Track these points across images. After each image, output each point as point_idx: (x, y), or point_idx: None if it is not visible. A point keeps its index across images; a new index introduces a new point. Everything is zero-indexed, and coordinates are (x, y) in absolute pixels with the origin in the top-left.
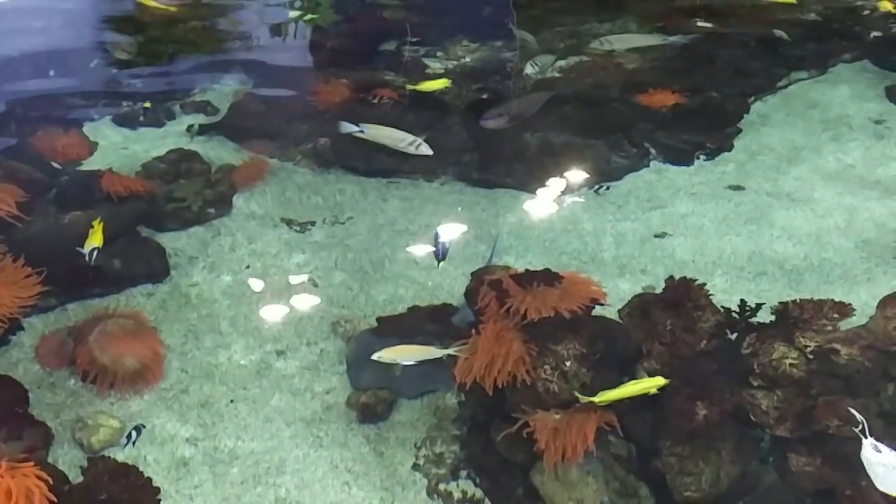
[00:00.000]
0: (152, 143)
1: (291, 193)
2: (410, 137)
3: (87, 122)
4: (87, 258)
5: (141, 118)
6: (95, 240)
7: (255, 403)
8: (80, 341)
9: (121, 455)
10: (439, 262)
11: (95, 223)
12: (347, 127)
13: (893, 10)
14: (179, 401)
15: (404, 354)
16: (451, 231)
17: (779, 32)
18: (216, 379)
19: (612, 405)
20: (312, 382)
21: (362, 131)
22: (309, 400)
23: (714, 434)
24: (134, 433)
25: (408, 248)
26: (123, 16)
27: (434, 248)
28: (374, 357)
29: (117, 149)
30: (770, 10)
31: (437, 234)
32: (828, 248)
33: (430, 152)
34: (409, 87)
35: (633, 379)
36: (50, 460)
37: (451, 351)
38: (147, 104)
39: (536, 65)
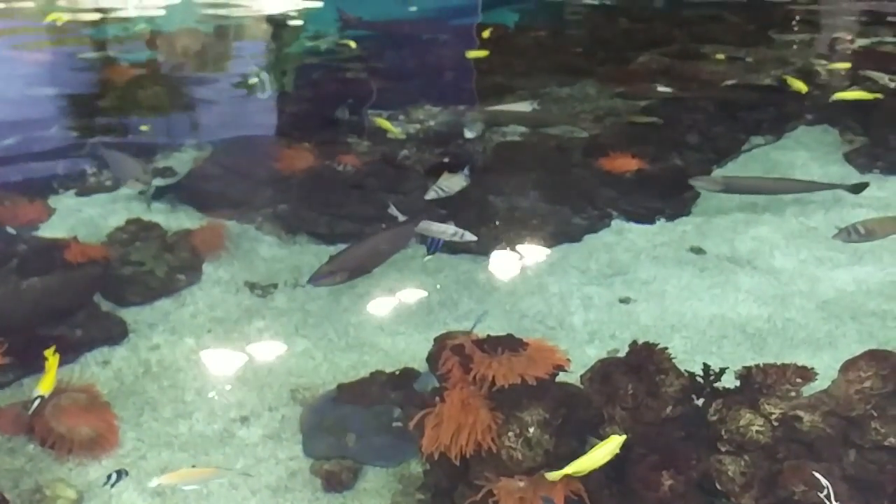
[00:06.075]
0: (105, 208)
1: (253, 258)
2: (453, 229)
3: (43, 187)
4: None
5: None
6: (44, 386)
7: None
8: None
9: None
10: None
11: (49, 356)
12: (394, 211)
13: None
14: (138, 467)
15: (185, 479)
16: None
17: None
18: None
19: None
20: (276, 450)
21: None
22: (273, 466)
23: None
24: (114, 475)
25: (370, 313)
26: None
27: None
28: (153, 484)
29: (73, 212)
30: (731, 76)
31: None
32: (791, 309)
33: (475, 238)
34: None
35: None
36: None
37: (235, 470)
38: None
39: (473, 130)
